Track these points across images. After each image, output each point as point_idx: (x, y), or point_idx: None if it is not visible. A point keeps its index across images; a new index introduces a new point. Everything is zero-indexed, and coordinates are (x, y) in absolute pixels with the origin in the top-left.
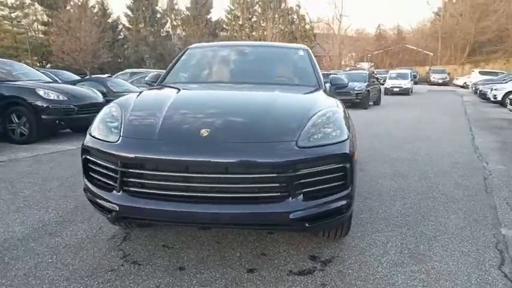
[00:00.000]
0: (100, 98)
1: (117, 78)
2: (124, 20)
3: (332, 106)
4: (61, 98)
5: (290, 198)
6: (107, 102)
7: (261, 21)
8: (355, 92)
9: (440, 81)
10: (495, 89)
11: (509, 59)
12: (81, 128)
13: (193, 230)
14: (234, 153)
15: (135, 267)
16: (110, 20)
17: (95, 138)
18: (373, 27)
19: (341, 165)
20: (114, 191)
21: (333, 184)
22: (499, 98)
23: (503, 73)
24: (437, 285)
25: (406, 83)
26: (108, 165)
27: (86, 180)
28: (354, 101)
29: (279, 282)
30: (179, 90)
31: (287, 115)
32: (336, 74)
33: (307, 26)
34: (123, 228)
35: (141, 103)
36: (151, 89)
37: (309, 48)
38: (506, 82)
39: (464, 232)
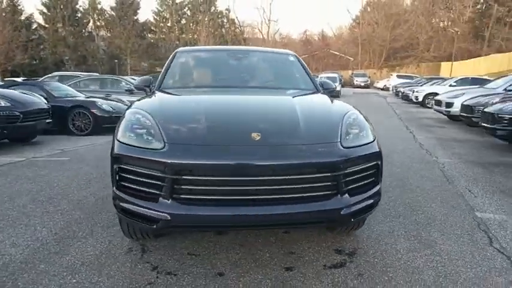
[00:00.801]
0: (45, 103)
1: (55, 82)
2: (39, 18)
3: (351, 108)
4: (3, 104)
5: (339, 195)
6: (52, 108)
7: (191, 24)
8: None
9: (363, 84)
10: (416, 91)
11: (420, 64)
12: (25, 137)
13: (210, 235)
14: (288, 155)
15: (173, 277)
16: (22, 18)
17: (131, 146)
18: (300, 32)
19: (375, 162)
20: (163, 200)
21: (369, 180)
22: (420, 99)
23: (417, 77)
24: (452, 264)
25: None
26: (152, 173)
27: (118, 191)
28: None
29: (320, 276)
30: (199, 94)
31: (320, 117)
32: (324, 78)
33: (237, 30)
34: (135, 240)
35: (170, 109)
36: (164, 94)
37: (296, 54)
38: (422, 85)
39: (449, 217)
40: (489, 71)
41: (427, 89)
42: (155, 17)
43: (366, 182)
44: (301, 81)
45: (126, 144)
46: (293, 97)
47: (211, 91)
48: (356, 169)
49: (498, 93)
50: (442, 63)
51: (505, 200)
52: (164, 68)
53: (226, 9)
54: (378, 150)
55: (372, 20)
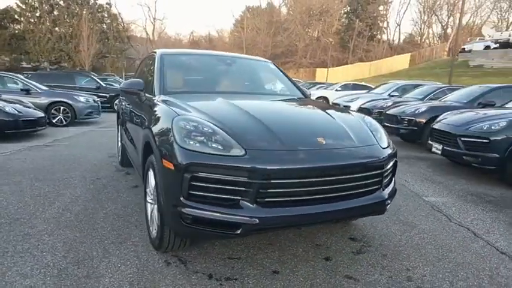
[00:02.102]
0: None
1: None
2: None
3: (362, 114)
4: None
5: (381, 189)
6: None
7: (65, 16)
8: None
9: None
10: None
11: (299, 70)
12: None
13: (235, 239)
14: (351, 156)
15: (237, 282)
16: None
17: (205, 154)
18: (186, 34)
19: (395, 160)
20: (246, 204)
21: (391, 175)
22: None
23: (299, 81)
24: (438, 238)
25: None
26: (234, 179)
27: (188, 201)
28: None
29: (357, 261)
30: (225, 99)
31: (351, 122)
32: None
33: (120, 27)
34: (163, 253)
35: (221, 115)
36: (189, 100)
37: (273, 62)
38: (308, 89)
39: (409, 203)
40: (355, 77)
41: (317, 92)
42: (20, 4)
43: (390, 176)
44: (291, 87)
45: (199, 152)
46: (318, 102)
47: (230, 97)
48: (388, 166)
49: (386, 98)
50: (318, 69)
51: (433, 186)
52: (156, 71)
53: (107, 3)
54: (395, 149)
55: (255, 26)
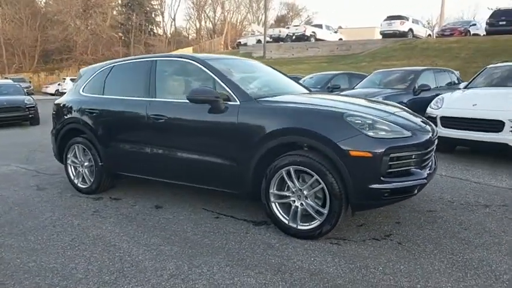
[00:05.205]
0: None
1: None
2: None
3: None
4: None
5: None
6: None
7: None
8: (27, 106)
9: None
10: None
11: (82, 66)
12: None
13: None
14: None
15: (393, 236)
16: None
17: (392, 139)
18: None
19: None
20: (416, 171)
21: None
22: None
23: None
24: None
25: None
26: (410, 153)
27: (386, 178)
28: (28, 117)
29: (415, 207)
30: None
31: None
32: None
33: None
34: (312, 241)
35: (359, 109)
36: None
37: None
38: None
39: None
40: None
41: None
42: None
43: None
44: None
45: (387, 139)
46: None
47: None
48: None
49: None
50: None
51: None
52: (221, 78)
53: None
54: None
55: (17, 18)
